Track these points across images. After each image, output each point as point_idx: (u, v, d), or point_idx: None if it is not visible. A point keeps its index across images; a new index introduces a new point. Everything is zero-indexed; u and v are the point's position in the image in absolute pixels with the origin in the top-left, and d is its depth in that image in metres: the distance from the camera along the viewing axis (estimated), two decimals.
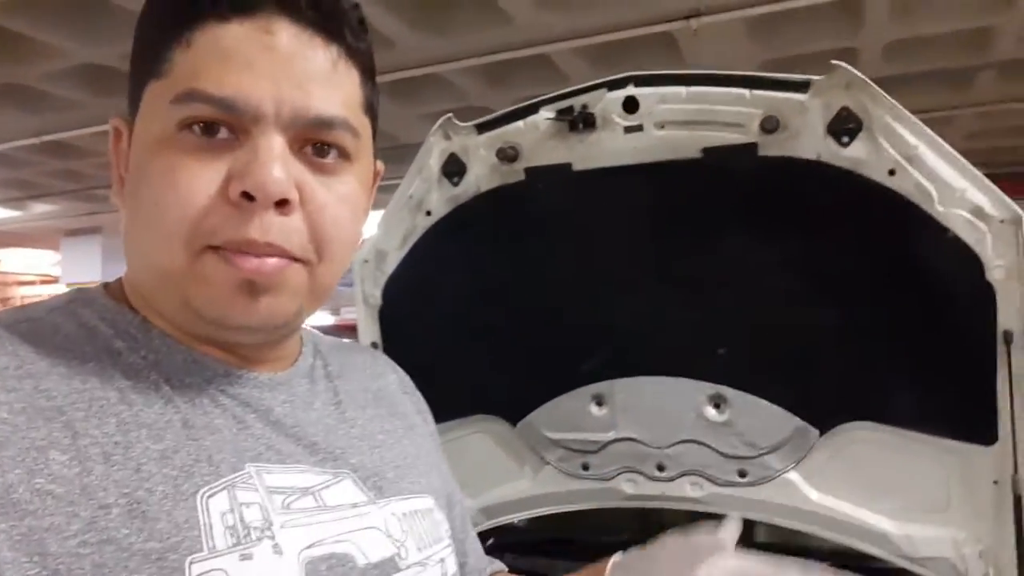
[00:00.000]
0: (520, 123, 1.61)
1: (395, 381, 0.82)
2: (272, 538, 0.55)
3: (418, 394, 0.86)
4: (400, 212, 1.74)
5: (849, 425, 1.45)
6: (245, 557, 0.53)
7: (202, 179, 0.54)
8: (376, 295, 1.79)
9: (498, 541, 1.84)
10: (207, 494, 0.54)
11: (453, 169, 1.68)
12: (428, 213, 1.71)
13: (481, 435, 1.78)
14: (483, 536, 1.89)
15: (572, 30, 3.86)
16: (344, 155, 0.59)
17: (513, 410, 1.74)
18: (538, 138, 1.59)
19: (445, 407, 1.85)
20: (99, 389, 0.54)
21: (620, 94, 1.50)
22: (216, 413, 0.59)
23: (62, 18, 3.66)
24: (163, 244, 0.56)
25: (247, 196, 0.54)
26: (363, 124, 0.61)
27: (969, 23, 3.94)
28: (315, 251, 0.58)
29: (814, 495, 1.49)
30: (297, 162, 0.57)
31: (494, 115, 1.66)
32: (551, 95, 1.58)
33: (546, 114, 1.59)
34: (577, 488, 1.68)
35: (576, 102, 1.55)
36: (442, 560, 0.68)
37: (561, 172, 1.58)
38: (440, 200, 1.70)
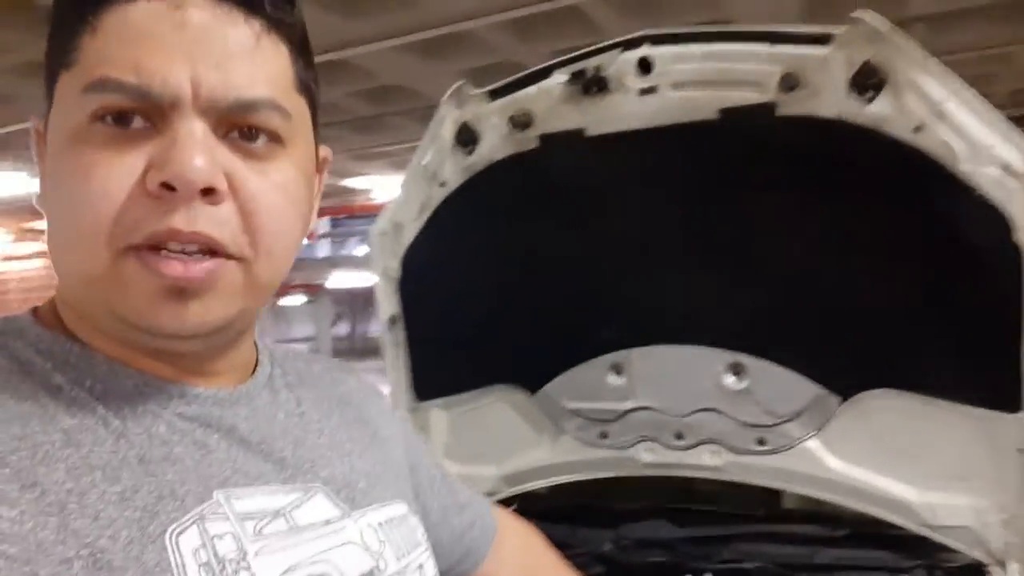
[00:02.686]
0: (533, 88, 1.57)
1: (355, 386, 0.78)
2: (248, 568, 0.52)
3: (380, 396, 0.81)
4: (415, 183, 1.72)
5: (871, 392, 1.42)
6: None
7: (118, 173, 0.50)
8: (394, 267, 1.78)
9: (520, 507, 1.85)
10: (176, 532, 0.50)
11: (466, 138, 1.65)
12: (443, 184, 1.69)
13: (501, 404, 1.79)
14: (505, 502, 1.92)
15: None
16: (275, 139, 0.55)
17: (532, 379, 1.73)
18: (551, 103, 1.55)
19: (465, 377, 1.88)
20: (41, 433, 0.50)
21: (634, 54, 1.46)
22: (175, 441, 0.55)
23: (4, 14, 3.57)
24: (82, 247, 0.52)
25: (167, 187, 0.50)
26: (296, 104, 0.57)
27: None
28: (249, 244, 0.54)
29: (834, 463, 1.47)
30: (224, 148, 0.52)
31: (506, 80, 1.63)
32: (563, 58, 1.54)
33: (559, 78, 1.55)
34: (595, 457, 1.67)
35: (589, 64, 1.51)
36: (420, 566, 0.67)
37: (575, 138, 1.55)
38: (454, 170, 1.68)
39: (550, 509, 1.83)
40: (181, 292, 0.52)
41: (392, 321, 1.84)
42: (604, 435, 1.67)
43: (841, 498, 1.47)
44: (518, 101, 1.58)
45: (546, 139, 1.58)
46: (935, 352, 1.34)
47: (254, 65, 0.53)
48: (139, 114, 0.51)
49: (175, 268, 0.51)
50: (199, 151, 0.50)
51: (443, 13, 4.01)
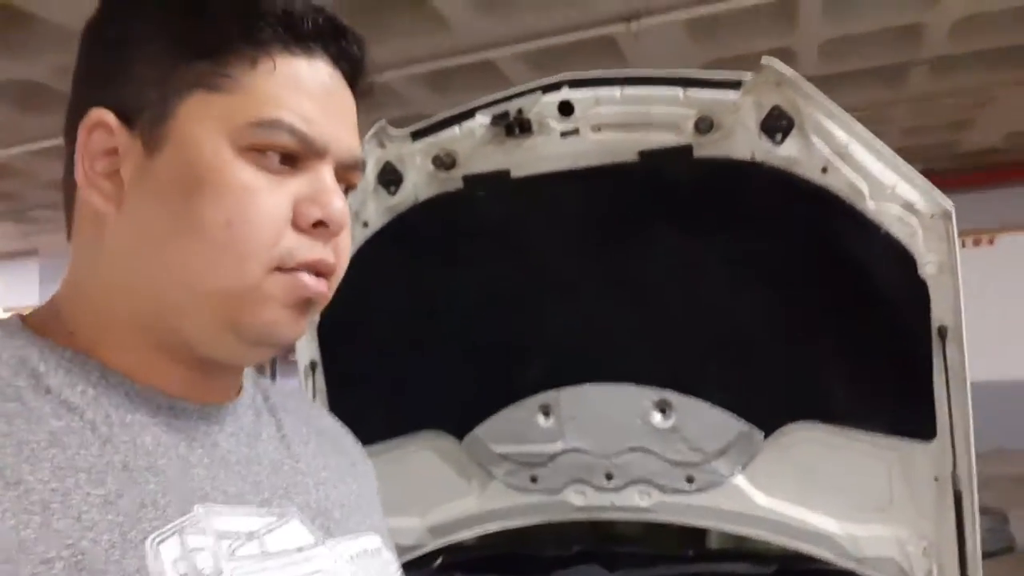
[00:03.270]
0: (456, 129, 1.57)
1: (331, 422, 0.79)
2: None
3: (355, 438, 0.82)
4: None
5: (792, 426, 1.45)
6: None
7: (278, 203, 0.56)
8: None
9: (447, 560, 1.80)
10: (156, 540, 0.51)
11: (389, 178, 1.63)
12: (365, 224, 1.67)
13: (427, 451, 1.74)
14: (432, 556, 1.87)
15: (512, 35, 3.84)
16: (352, 188, 0.64)
17: (459, 424, 1.70)
18: (475, 144, 1.55)
19: (389, 424, 1.83)
20: (27, 431, 0.50)
21: (555, 97, 1.48)
22: (159, 452, 0.56)
23: None
24: (233, 265, 0.55)
25: (320, 224, 0.57)
26: None
27: (899, 20, 4.03)
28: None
29: (761, 499, 1.49)
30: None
31: (429, 121, 1.62)
32: (485, 100, 1.55)
33: (481, 120, 1.56)
34: (525, 502, 1.65)
35: (511, 106, 1.52)
36: None
37: (499, 179, 1.55)
38: (377, 210, 1.65)
39: (478, 560, 1.79)
40: (307, 305, 0.59)
41: (312, 367, 1.79)
42: (534, 479, 1.64)
43: (769, 534, 1.48)
44: (441, 142, 1.58)
45: (470, 180, 1.57)
46: (851, 384, 1.38)
47: (356, 130, 0.62)
48: (291, 154, 0.57)
49: (320, 283, 0.58)
50: (340, 198, 0.58)
51: None
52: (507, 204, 1.59)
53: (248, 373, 0.69)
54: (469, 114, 1.56)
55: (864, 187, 1.23)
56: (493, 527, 1.70)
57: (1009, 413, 6.28)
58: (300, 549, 0.59)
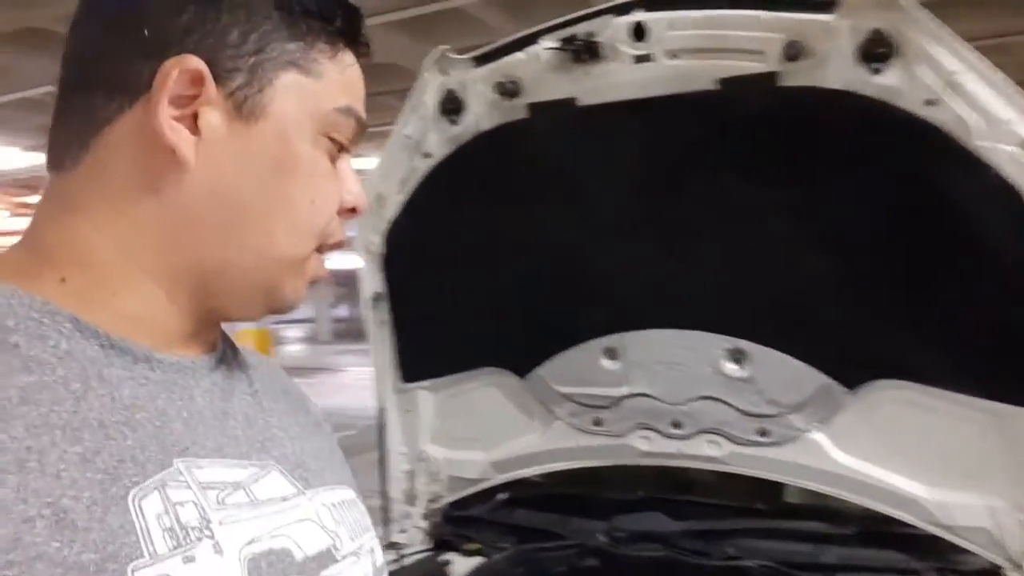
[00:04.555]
0: (520, 54, 1.48)
1: (292, 382, 0.81)
2: (211, 537, 0.53)
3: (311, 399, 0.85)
4: (398, 153, 1.63)
5: (880, 383, 1.33)
6: (188, 560, 0.51)
7: (338, 190, 0.63)
8: (376, 241, 1.71)
9: (511, 496, 1.79)
10: (138, 496, 0.51)
11: (451, 107, 1.56)
12: (427, 155, 1.61)
13: (490, 388, 1.72)
14: (496, 490, 1.87)
15: None
16: None
17: (522, 363, 1.66)
18: (540, 70, 1.46)
19: (454, 359, 1.81)
20: None
21: (627, 20, 1.36)
22: (137, 407, 0.55)
23: None
24: (297, 237, 0.61)
25: (354, 211, 0.64)
26: None
27: None
28: None
29: (841, 457, 1.39)
30: None
31: (492, 46, 1.53)
32: (551, 23, 1.44)
33: (547, 44, 1.45)
34: (588, 444, 1.61)
35: (580, 30, 1.41)
36: (372, 550, 0.69)
37: (566, 108, 1.45)
38: (439, 141, 1.59)
39: (542, 497, 1.77)
40: (314, 282, 0.66)
41: (376, 299, 1.77)
42: (598, 422, 1.60)
43: (848, 494, 1.39)
44: (505, 67, 1.48)
45: (536, 108, 1.48)
46: (947, 342, 1.25)
47: None
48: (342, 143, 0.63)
49: (325, 266, 0.66)
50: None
51: None
52: (574, 135, 1.50)
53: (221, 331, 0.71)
54: (534, 38, 1.46)
55: (975, 122, 1.07)
56: (556, 466, 1.68)
57: None
58: (285, 499, 0.61)
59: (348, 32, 0.62)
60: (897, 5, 1.09)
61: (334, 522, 0.64)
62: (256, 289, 0.62)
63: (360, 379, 7.79)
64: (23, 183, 10.40)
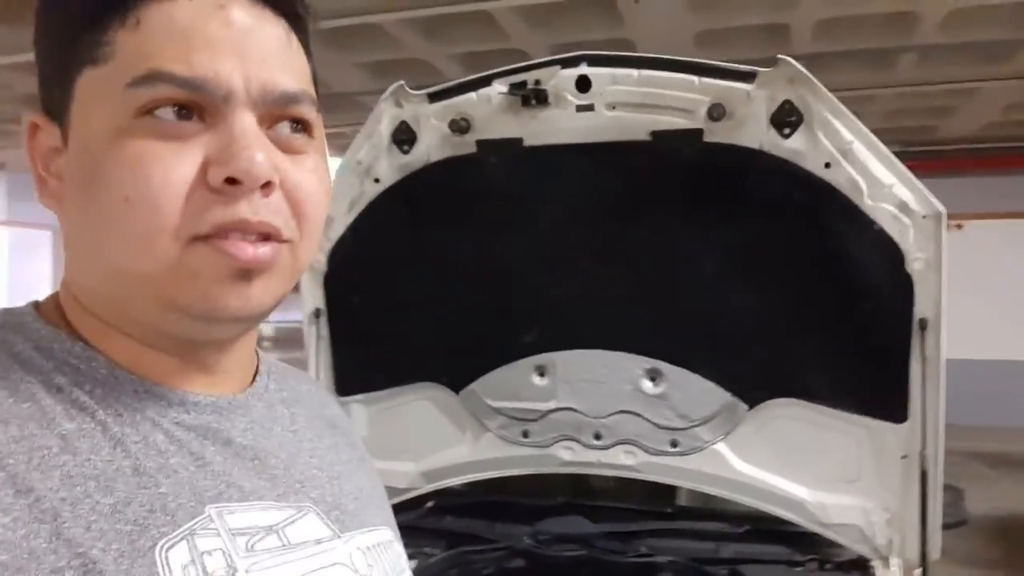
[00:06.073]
0: (473, 95, 1.61)
1: (339, 411, 0.78)
2: None
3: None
4: (348, 177, 1.73)
5: (774, 401, 1.55)
6: None
7: (179, 167, 0.51)
8: (321, 260, 1.78)
9: (438, 504, 1.89)
10: (166, 546, 0.50)
11: (403, 137, 1.67)
12: (377, 180, 1.71)
13: (423, 402, 1.82)
14: (423, 499, 1.96)
15: None
16: (307, 129, 0.57)
17: (456, 378, 1.78)
18: (491, 111, 1.60)
19: (389, 374, 1.91)
20: (40, 436, 0.50)
21: (573, 72, 1.52)
22: (172, 451, 0.55)
23: None
24: (142, 243, 0.51)
25: (232, 181, 0.51)
26: (315, 96, 0.59)
27: (894, 7, 4.09)
28: (297, 229, 0.56)
29: (739, 465, 1.59)
30: (267, 141, 0.54)
31: (446, 85, 1.66)
32: (504, 69, 1.59)
33: (499, 87, 1.60)
34: (516, 454, 1.74)
35: (529, 77, 1.57)
36: None
37: (512, 146, 1.60)
38: (390, 168, 1.69)
39: (467, 505, 1.89)
40: (247, 274, 0.53)
41: (316, 315, 1.85)
42: (526, 434, 1.73)
43: (744, 497, 1.60)
44: (458, 105, 1.62)
45: (484, 145, 1.62)
46: (833, 367, 1.48)
47: (290, 61, 0.56)
48: (189, 107, 0.52)
49: (246, 251, 0.52)
50: (259, 147, 0.52)
51: (354, 5, 3.98)
52: (517, 171, 1.64)
53: (264, 359, 0.68)
54: (486, 81, 1.60)
55: (863, 185, 1.31)
56: (483, 475, 1.80)
57: (961, 391, 6.52)
58: (319, 542, 0.59)
59: None
60: (807, 82, 1.32)
61: (367, 566, 0.62)
62: (151, 309, 0.54)
63: None
64: None
